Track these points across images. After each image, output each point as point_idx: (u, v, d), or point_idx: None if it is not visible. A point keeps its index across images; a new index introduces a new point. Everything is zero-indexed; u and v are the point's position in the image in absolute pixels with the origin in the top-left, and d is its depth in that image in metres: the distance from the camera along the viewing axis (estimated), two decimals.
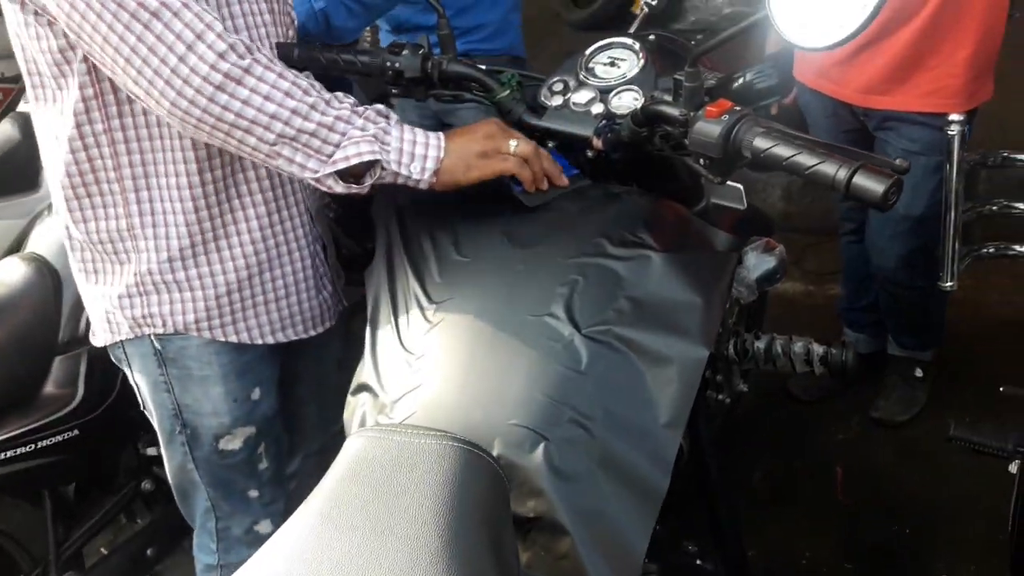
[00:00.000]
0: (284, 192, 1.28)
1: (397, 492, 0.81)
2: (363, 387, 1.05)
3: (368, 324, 1.10)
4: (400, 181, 1.13)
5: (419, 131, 1.13)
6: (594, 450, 0.91)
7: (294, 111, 1.05)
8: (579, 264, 1.04)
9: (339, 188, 1.10)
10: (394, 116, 1.13)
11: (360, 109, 1.11)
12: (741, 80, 1.24)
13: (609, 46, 1.30)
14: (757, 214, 1.67)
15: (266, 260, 1.28)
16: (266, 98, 1.04)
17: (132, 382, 1.37)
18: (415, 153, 1.11)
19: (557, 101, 1.25)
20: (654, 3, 1.82)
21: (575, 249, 1.06)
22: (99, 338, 1.34)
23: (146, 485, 1.87)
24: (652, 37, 1.38)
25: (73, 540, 1.78)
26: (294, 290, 1.32)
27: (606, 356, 0.95)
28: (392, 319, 1.08)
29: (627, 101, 1.22)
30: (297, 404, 1.51)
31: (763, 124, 1.00)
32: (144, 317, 1.26)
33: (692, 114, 1.04)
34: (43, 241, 1.75)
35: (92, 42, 1.04)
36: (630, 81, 1.24)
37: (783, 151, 0.95)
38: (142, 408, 1.39)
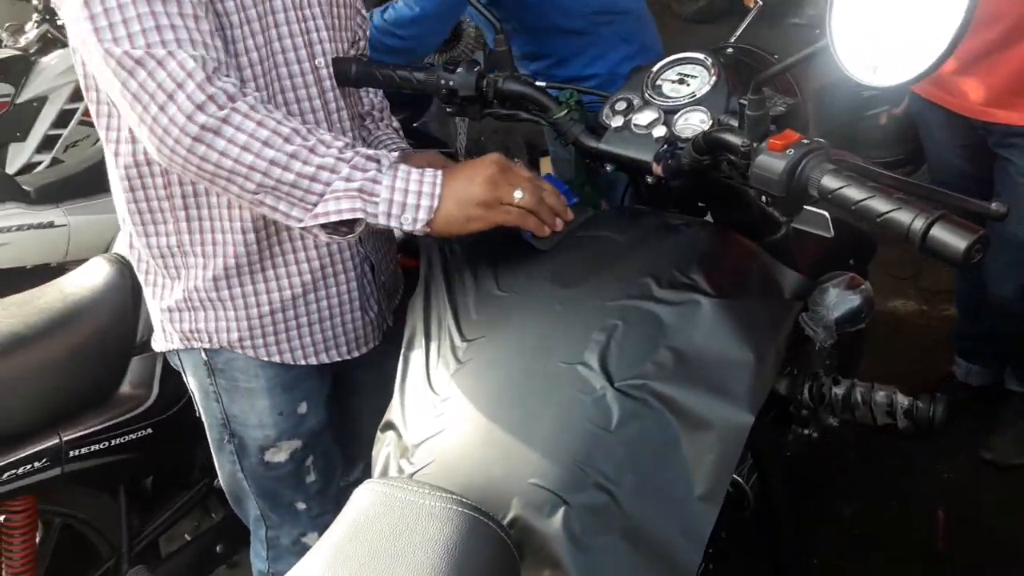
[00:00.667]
0: None
1: (396, 555, 0.76)
2: (390, 425, 1.01)
3: (401, 358, 1.06)
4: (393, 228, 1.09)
5: (415, 175, 1.06)
6: (619, 519, 0.83)
7: (272, 161, 1.02)
8: (620, 307, 0.96)
9: (324, 237, 1.07)
10: (387, 160, 1.07)
11: (348, 155, 1.05)
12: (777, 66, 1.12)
13: (679, 61, 1.20)
14: (856, 236, 1.53)
15: (311, 282, 1.26)
16: (243, 149, 1.01)
17: (188, 387, 1.39)
18: (406, 203, 1.04)
19: (618, 121, 1.16)
20: None
21: (618, 290, 0.98)
22: (158, 344, 1.36)
23: (218, 483, 1.91)
24: (730, 51, 1.27)
25: (147, 532, 1.83)
26: (338, 311, 1.30)
27: (639, 415, 0.87)
28: (423, 355, 1.03)
29: (693, 123, 1.12)
30: (355, 416, 1.49)
31: (834, 160, 0.89)
32: (192, 332, 1.27)
33: (755, 145, 0.94)
34: (126, 241, 1.80)
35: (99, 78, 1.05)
36: (699, 101, 1.14)
37: (853, 193, 0.84)
38: (197, 414, 1.41)
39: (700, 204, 1.22)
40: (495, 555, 0.78)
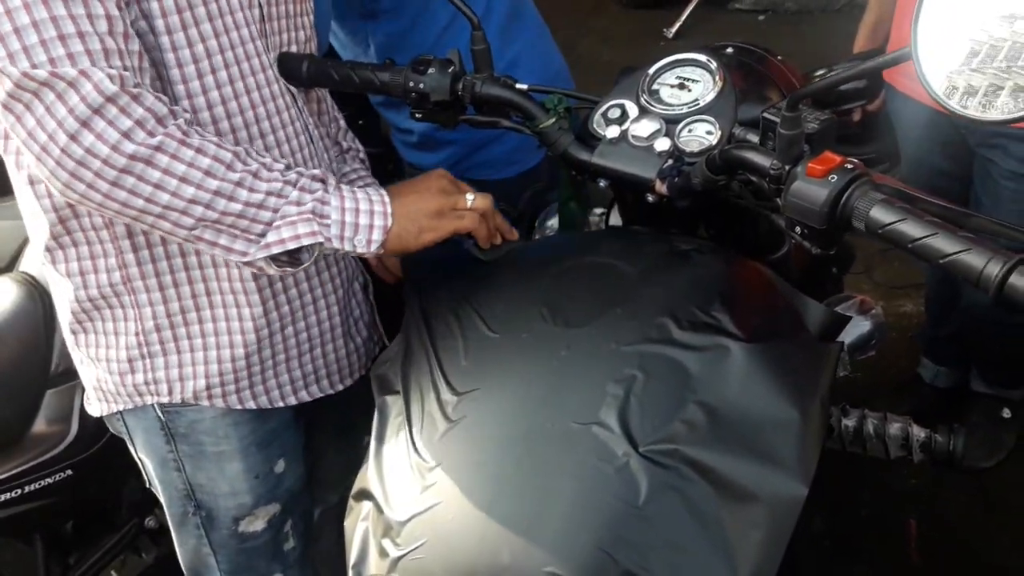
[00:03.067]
0: None
1: None
2: (366, 494, 0.86)
3: (376, 415, 0.91)
4: (342, 253, 1.03)
5: (360, 194, 0.97)
6: None
7: (217, 192, 0.89)
8: (638, 354, 0.83)
9: (272, 271, 0.95)
10: (332, 179, 0.98)
11: (293, 176, 0.94)
12: (823, 79, 1.02)
13: (678, 63, 1.07)
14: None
15: (289, 311, 1.09)
16: (182, 180, 0.87)
17: (135, 457, 1.20)
18: (359, 223, 0.96)
19: (613, 132, 1.03)
20: None
21: (634, 332, 0.85)
22: (93, 407, 1.16)
23: (150, 522, 1.72)
24: (730, 50, 1.15)
25: None
26: (319, 341, 1.14)
27: (671, 486, 0.75)
28: (404, 411, 0.88)
29: (699, 135, 1.00)
30: (316, 455, 1.33)
31: (883, 189, 0.78)
32: (146, 384, 1.08)
33: (788, 169, 0.82)
34: (37, 259, 1.59)
35: None
36: (704, 109, 1.01)
37: (911, 229, 0.73)
38: (147, 486, 1.22)
39: (695, 227, 1.11)
40: None
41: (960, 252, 0.70)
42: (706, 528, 0.73)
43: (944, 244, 0.71)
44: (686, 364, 0.81)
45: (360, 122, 1.90)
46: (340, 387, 1.20)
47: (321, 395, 1.17)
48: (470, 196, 1.03)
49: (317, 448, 1.33)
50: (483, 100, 1.07)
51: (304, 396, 1.16)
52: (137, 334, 1.06)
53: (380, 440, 0.88)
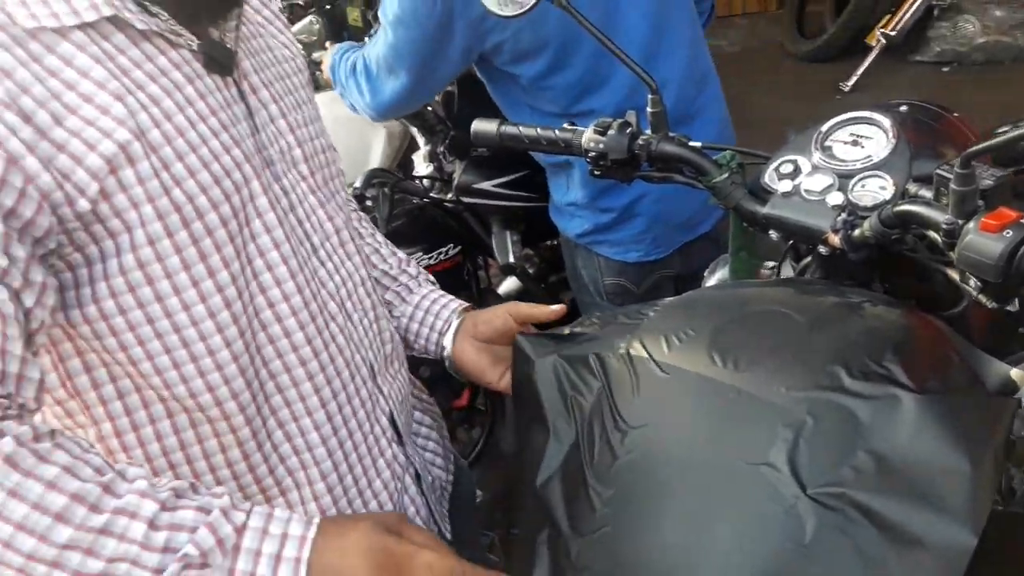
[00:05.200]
0: (351, 401, 0.98)
1: None
2: (544, 512, 0.93)
3: (552, 438, 0.98)
4: None
5: (279, 527, 0.75)
6: None
7: (68, 546, 0.68)
8: (808, 399, 0.86)
9: None
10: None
11: (187, 517, 0.72)
12: (1001, 136, 1.00)
13: (852, 120, 1.11)
14: None
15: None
16: (17, 529, 0.66)
17: None
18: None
19: (786, 186, 1.08)
20: (892, 33, 1.59)
21: (804, 378, 0.88)
22: None
23: None
24: (904, 108, 1.17)
25: None
26: None
27: (838, 528, 0.77)
28: (573, 438, 0.95)
29: (873, 190, 1.03)
30: None
31: None
32: None
33: (962, 224, 0.84)
34: None
35: None
36: (877, 165, 1.04)
37: None
38: None
39: (871, 279, 1.12)
40: None
41: None
42: (870, 570, 0.75)
43: None
44: (856, 412, 0.83)
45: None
46: None
47: None
48: (426, 556, 0.78)
49: None
50: (659, 157, 1.15)
51: None
52: None
53: (560, 468, 0.96)
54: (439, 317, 1.18)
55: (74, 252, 0.77)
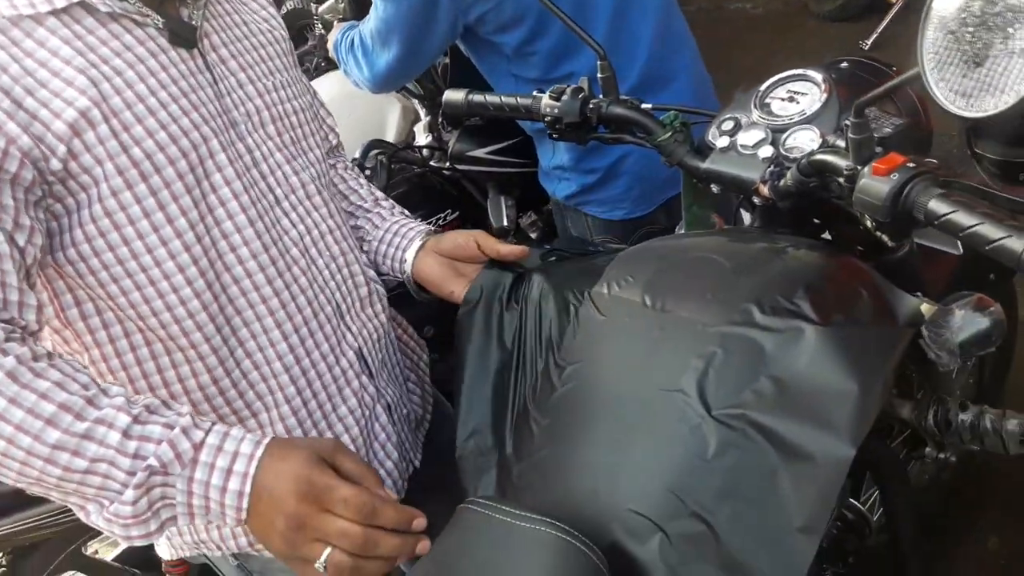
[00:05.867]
0: (313, 335, 1.08)
1: None
2: (480, 432, 1.05)
3: (491, 374, 1.09)
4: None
5: (233, 445, 0.86)
6: (716, 550, 0.83)
7: (57, 446, 0.81)
8: (721, 334, 0.95)
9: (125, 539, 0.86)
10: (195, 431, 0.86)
11: (155, 432, 0.84)
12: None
13: (790, 79, 1.17)
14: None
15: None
16: (16, 430, 0.80)
17: None
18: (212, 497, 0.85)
19: (724, 142, 1.15)
20: None
21: (720, 316, 0.97)
22: (162, 550, 1.18)
23: None
24: (845, 64, 1.23)
25: None
26: None
27: (737, 445, 0.86)
28: (514, 370, 1.06)
29: (802, 142, 1.10)
30: None
31: (943, 184, 0.85)
32: (202, 542, 1.12)
33: (859, 169, 0.91)
34: None
35: None
36: (808, 119, 1.11)
37: (962, 219, 0.81)
38: None
39: (816, 222, 1.19)
40: None
41: (1003, 238, 0.77)
42: (765, 481, 0.84)
43: (990, 231, 0.78)
44: (763, 343, 0.92)
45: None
46: None
47: None
48: (327, 552, 0.83)
49: None
50: (609, 119, 1.23)
51: None
52: None
53: (500, 394, 1.07)
54: (404, 237, 1.27)
55: (55, 203, 0.90)
